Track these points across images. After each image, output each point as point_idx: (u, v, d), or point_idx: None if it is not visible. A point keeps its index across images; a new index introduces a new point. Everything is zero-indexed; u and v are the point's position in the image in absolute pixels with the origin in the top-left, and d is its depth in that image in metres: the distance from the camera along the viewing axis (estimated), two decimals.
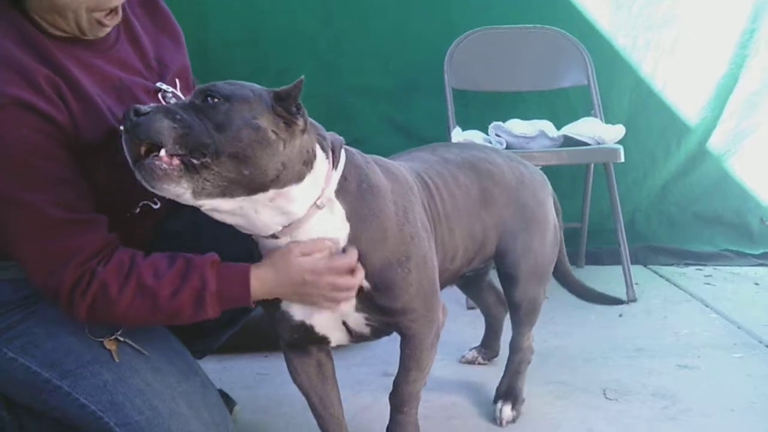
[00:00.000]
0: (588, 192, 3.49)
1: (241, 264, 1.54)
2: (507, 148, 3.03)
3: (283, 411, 2.12)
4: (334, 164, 1.50)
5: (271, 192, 1.40)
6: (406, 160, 1.80)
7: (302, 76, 1.41)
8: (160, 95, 1.70)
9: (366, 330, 1.63)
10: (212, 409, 1.66)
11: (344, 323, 1.61)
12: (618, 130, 3.12)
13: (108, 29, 1.61)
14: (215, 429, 1.62)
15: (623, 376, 2.32)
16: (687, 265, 3.63)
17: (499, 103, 3.58)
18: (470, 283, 2.33)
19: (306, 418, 1.86)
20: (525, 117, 3.32)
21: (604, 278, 3.36)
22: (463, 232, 1.82)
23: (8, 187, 1.44)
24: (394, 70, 3.65)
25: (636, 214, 3.78)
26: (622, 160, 3.02)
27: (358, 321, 1.61)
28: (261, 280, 1.52)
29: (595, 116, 3.34)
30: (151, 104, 1.36)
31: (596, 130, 3.09)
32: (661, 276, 3.47)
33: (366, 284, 1.55)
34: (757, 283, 3.32)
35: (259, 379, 2.37)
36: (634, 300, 3.06)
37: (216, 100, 1.36)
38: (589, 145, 3.07)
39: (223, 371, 2.40)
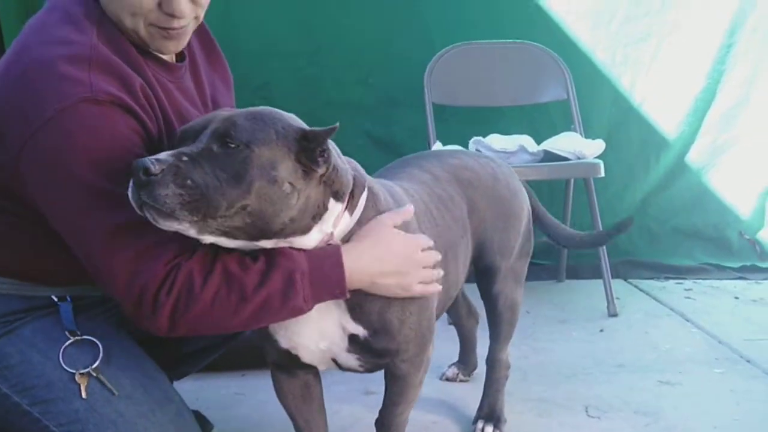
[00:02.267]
0: (568, 206, 3.49)
1: (330, 245, 1.45)
2: None
3: None
4: (351, 209, 1.46)
5: (274, 240, 1.37)
6: (402, 180, 1.75)
7: (337, 124, 1.35)
8: None
9: (357, 367, 1.59)
10: None
11: (333, 359, 1.57)
12: (598, 145, 3.13)
13: (170, 46, 1.57)
14: None
15: (605, 392, 2.31)
16: (667, 278, 3.63)
17: (478, 118, 3.58)
18: None
19: None
20: (505, 132, 3.32)
21: (584, 292, 3.38)
22: (464, 255, 1.80)
23: (106, 182, 1.38)
24: (374, 85, 3.64)
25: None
26: (602, 174, 3.02)
27: (349, 360, 1.56)
28: (355, 256, 1.44)
29: (575, 131, 3.34)
30: (167, 156, 1.26)
31: (576, 145, 3.09)
32: (641, 290, 3.46)
33: (362, 331, 1.51)
34: (737, 297, 3.33)
35: (237, 400, 2.33)
36: (615, 315, 3.06)
37: (234, 145, 1.29)
38: (569, 160, 3.06)
39: (200, 390, 2.35)
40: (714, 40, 3.67)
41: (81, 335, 1.57)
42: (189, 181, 1.25)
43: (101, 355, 1.56)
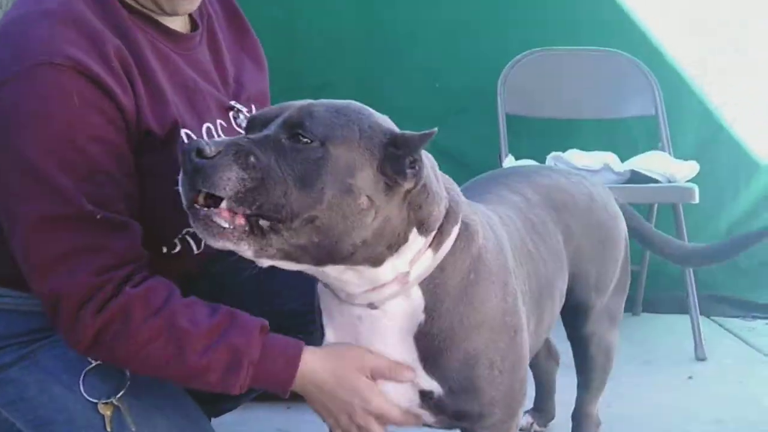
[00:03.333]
0: None
1: (292, 340, 1.29)
2: None
3: None
4: (436, 246, 1.20)
5: (342, 267, 1.13)
6: (493, 204, 1.48)
7: (435, 129, 1.11)
8: (231, 114, 1.50)
9: (434, 423, 1.33)
10: None
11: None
12: (690, 167, 2.85)
13: (186, 6, 1.40)
14: None
15: None
16: (755, 318, 3.32)
17: (553, 131, 3.33)
18: None
19: None
20: (582, 147, 3.05)
21: (666, 329, 3.10)
22: (560, 291, 1.54)
23: (42, 162, 1.22)
24: (442, 90, 3.40)
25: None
26: (696, 200, 2.76)
27: (425, 416, 1.31)
28: (311, 370, 1.27)
29: (663, 150, 3.06)
30: (223, 138, 1.08)
31: (666, 166, 2.82)
32: (727, 330, 3.17)
33: (437, 388, 1.25)
34: None
35: None
36: (704, 359, 2.76)
37: (308, 141, 1.07)
38: (658, 181, 2.78)
39: (237, 425, 2.11)
40: None
41: None
42: (252, 159, 1.05)
43: (128, 383, 1.36)
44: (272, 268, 1.18)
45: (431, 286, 1.20)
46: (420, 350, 1.23)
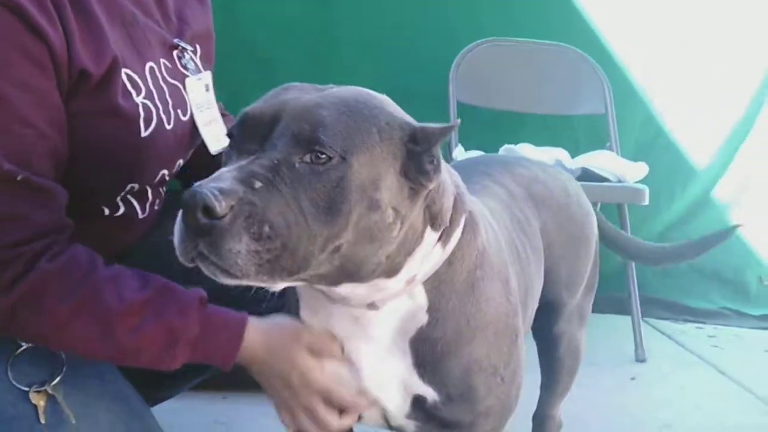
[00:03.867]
0: None
1: (236, 312, 1.16)
2: None
3: None
4: (444, 240, 1.08)
5: (360, 285, 1.02)
6: (480, 195, 1.35)
7: (458, 120, 1.03)
8: (176, 53, 1.35)
9: (412, 430, 1.21)
10: None
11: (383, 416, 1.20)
12: (640, 168, 2.83)
13: None
14: None
15: None
16: (686, 321, 3.35)
17: (500, 124, 3.25)
18: None
19: None
20: (526, 140, 2.97)
21: (606, 329, 3.06)
22: (538, 293, 1.45)
23: None
24: (390, 74, 3.24)
25: (629, 260, 3.48)
26: (647, 202, 2.73)
27: (405, 425, 1.19)
28: (252, 345, 1.16)
29: (611, 149, 3.03)
30: (229, 176, 0.87)
31: (617, 166, 2.78)
32: (661, 332, 3.17)
33: (433, 395, 1.13)
34: (767, 350, 3.04)
35: (216, 430, 1.95)
36: (644, 360, 2.75)
37: (325, 158, 0.91)
38: (608, 180, 2.73)
39: (173, 416, 1.93)
40: (757, 70, 3.42)
41: None
42: (267, 228, 0.86)
43: (65, 368, 1.21)
44: None
45: (437, 283, 1.08)
46: (416, 355, 1.11)
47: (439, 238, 1.07)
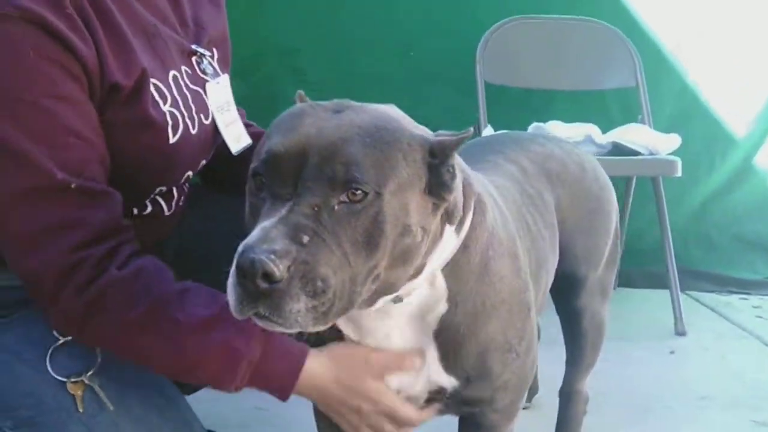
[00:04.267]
0: (627, 207, 3.14)
1: (296, 344, 1.18)
2: None
3: None
4: (458, 227, 1.09)
5: (389, 296, 1.04)
6: (489, 173, 1.37)
7: (470, 129, 1.01)
8: (194, 59, 1.38)
9: (432, 414, 1.25)
10: None
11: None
12: (673, 140, 2.79)
13: None
14: None
15: None
16: (730, 293, 3.30)
17: (530, 102, 3.25)
18: None
19: None
20: (559, 119, 2.97)
21: (643, 304, 3.07)
22: (552, 267, 1.46)
23: (2, 130, 1.10)
24: (415, 59, 3.28)
25: (671, 234, 3.44)
26: (679, 174, 2.70)
27: (426, 409, 1.23)
28: (313, 377, 1.17)
29: (643, 122, 3.00)
30: (278, 233, 0.89)
31: (648, 139, 2.76)
32: (703, 305, 3.14)
33: (452, 383, 1.17)
34: None
35: (257, 416, 2.01)
36: (684, 333, 2.73)
37: (361, 195, 0.93)
38: (640, 154, 2.71)
39: (214, 403, 1.98)
40: None
41: None
42: (320, 284, 0.89)
43: (99, 359, 1.25)
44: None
45: (455, 269, 1.10)
46: (440, 346, 1.14)
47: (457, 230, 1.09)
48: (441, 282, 1.10)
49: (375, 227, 0.93)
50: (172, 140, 1.27)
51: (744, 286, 3.34)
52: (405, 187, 0.96)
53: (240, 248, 0.89)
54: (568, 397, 1.78)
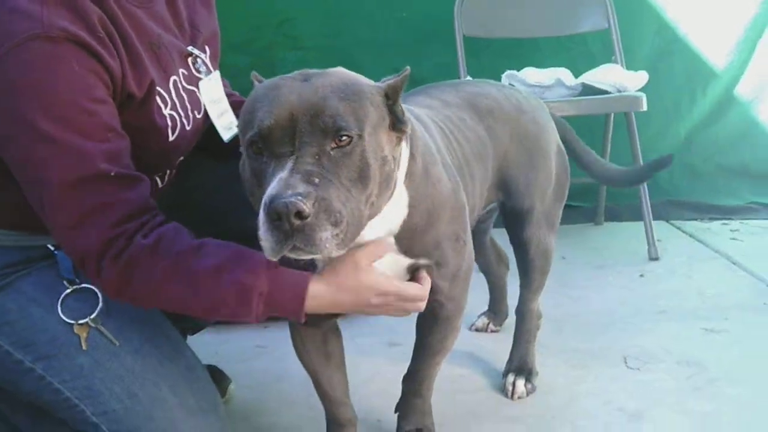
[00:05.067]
0: (607, 143, 3.30)
1: (299, 273, 1.36)
2: None
3: (281, 387, 2.00)
4: (406, 138, 1.30)
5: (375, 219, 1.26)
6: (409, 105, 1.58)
7: (408, 68, 1.23)
8: (190, 60, 1.58)
9: (429, 282, 1.46)
10: (199, 393, 1.53)
11: None
12: (640, 77, 2.93)
13: None
14: (202, 416, 1.48)
15: (646, 342, 2.18)
16: (712, 219, 3.45)
17: (512, 51, 3.38)
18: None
19: (305, 396, 1.74)
20: (541, 65, 3.14)
21: (624, 235, 3.23)
22: (480, 180, 1.66)
23: (55, 129, 1.28)
24: (403, 21, 3.43)
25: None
26: (645, 108, 2.84)
27: (422, 279, 1.43)
28: (318, 297, 1.35)
29: (616, 62, 3.14)
30: (296, 180, 1.09)
31: (617, 77, 2.90)
32: (684, 232, 3.29)
33: (426, 261, 1.39)
34: None
35: (258, 353, 2.24)
36: (657, 258, 2.91)
37: (348, 139, 1.14)
38: (609, 93, 2.87)
39: (220, 344, 2.28)
40: None
41: (80, 284, 1.48)
42: (337, 215, 1.10)
43: (100, 304, 1.48)
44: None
45: (410, 177, 1.31)
46: (400, 244, 1.35)
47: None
48: (403, 191, 1.31)
49: (363, 163, 1.15)
50: (171, 138, 1.49)
51: (726, 212, 3.47)
52: (377, 128, 1.18)
53: (266, 199, 1.08)
54: (522, 315, 1.99)
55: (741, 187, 3.60)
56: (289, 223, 1.06)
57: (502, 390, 1.93)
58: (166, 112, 1.48)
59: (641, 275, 2.75)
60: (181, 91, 1.53)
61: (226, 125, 1.64)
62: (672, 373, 1.99)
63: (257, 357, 2.21)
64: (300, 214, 1.06)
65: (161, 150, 1.50)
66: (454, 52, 3.23)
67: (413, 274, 1.41)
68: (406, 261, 1.38)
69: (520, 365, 1.95)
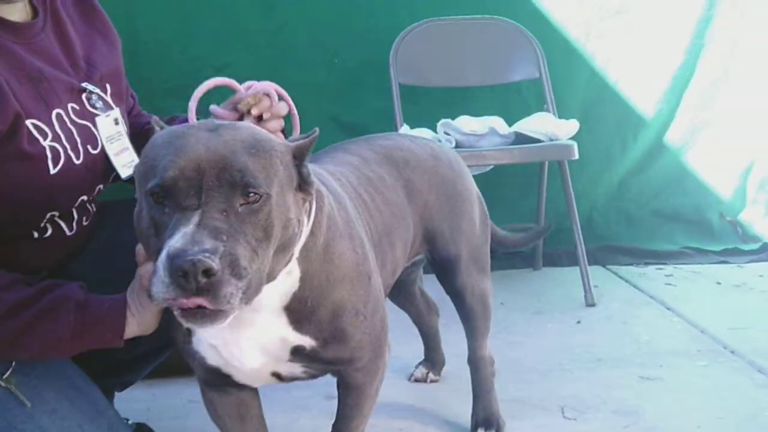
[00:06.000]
0: (543, 191, 3.34)
1: (112, 298, 1.38)
2: (456, 146, 2.87)
3: None
4: (308, 216, 1.27)
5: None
6: (325, 164, 1.57)
7: (317, 129, 1.22)
8: (84, 96, 1.55)
9: (301, 375, 1.42)
10: None
11: (274, 373, 1.39)
12: (571, 126, 2.99)
13: (15, 4, 1.44)
14: None
15: (583, 390, 2.17)
16: (647, 264, 3.50)
17: (449, 99, 3.41)
18: (399, 291, 2.13)
19: None
20: (476, 113, 3.17)
21: (561, 280, 3.24)
22: (401, 241, 1.64)
23: None
24: (340, 65, 3.45)
25: (593, 213, 3.65)
26: (576, 156, 2.89)
27: (293, 370, 1.40)
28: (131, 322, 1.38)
29: (548, 111, 3.19)
30: (203, 236, 1.05)
31: (549, 126, 2.95)
32: (620, 277, 3.33)
33: (311, 342, 1.33)
34: (719, 283, 3.20)
35: (190, 408, 2.15)
36: (593, 304, 2.92)
37: (255, 197, 1.10)
38: (541, 141, 2.91)
39: (151, 400, 2.19)
40: (692, 12, 3.56)
41: None
42: (243, 271, 1.06)
43: (13, 363, 1.42)
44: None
45: (305, 253, 1.27)
46: (290, 316, 1.30)
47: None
48: (296, 267, 1.26)
49: (269, 223, 1.11)
50: (53, 171, 1.43)
51: (660, 257, 3.53)
52: (284, 187, 1.15)
53: (170, 252, 1.03)
54: (476, 365, 1.96)
55: (674, 231, 3.67)
56: (195, 281, 1.01)
57: None
58: (46, 143, 1.43)
59: (578, 321, 2.76)
60: (69, 125, 1.48)
61: (126, 163, 1.60)
62: (608, 423, 1.98)
63: (190, 413, 2.12)
64: (207, 272, 1.01)
65: (43, 182, 1.43)
66: (391, 98, 3.23)
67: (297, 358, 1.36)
68: (293, 340, 1.32)
69: (486, 417, 1.92)
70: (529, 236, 2.43)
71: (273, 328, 1.31)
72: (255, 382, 1.42)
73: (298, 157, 1.19)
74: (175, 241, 1.03)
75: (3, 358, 1.41)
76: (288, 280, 1.26)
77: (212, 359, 1.35)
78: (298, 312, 1.30)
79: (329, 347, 1.35)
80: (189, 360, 1.40)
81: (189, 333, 1.34)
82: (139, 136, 1.67)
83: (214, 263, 1.01)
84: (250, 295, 1.08)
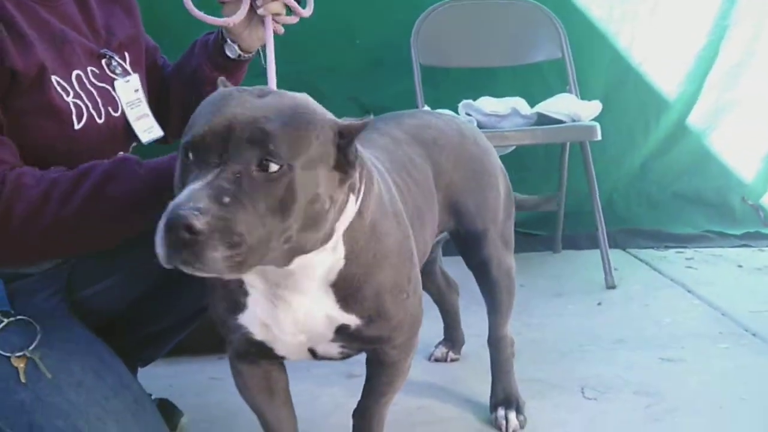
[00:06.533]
0: (564, 173, 3.33)
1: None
2: (478, 127, 2.84)
3: (236, 421, 1.94)
4: (356, 196, 1.25)
5: (304, 257, 1.20)
6: (366, 148, 1.52)
7: (371, 116, 1.19)
8: (104, 62, 1.59)
9: (336, 355, 1.43)
10: (146, 427, 1.49)
11: (310, 349, 1.40)
12: (594, 107, 2.96)
13: None
14: None
15: (603, 371, 2.17)
16: (667, 247, 3.48)
17: (470, 81, 3.40)
18: (420, 270, 2.13)
19: (261, 431, 1.68)
20: (498, 94, 3.15)
21: (581, 263, 3.24)
22: (430, 221, 1.64)
23: None
24: (362, 47, 3.43)
25: (614, 195, 3.64)
26: (599, 138, 2.87)
27: (330, 349, 1.40)
28: None
29: (571, 92, 3.17)
30: (202, 193, 1.04)
31: (571, 107, 2.93)
32: (640, 260, 3.32)
33: (356, 321, 1.33)
34: (740, 266, 3.19)
35: (212, 385, 2.18)
36: (614, 287, 2.92)
37: (276, 168, 1.08)
38: (563, 122, 2.90)
39: (173, 376, 2.21)
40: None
41: (16, 316, 1.45)
42: (236, 237, 1.04)
43: (38, 336, 1.44)
44: None
45: (351, 232, 1.26)
46: (337, 293, 1.30)
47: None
48: (341, 245, 1.26)
49: (287, 195, 1.09)
50: (77, 126, 1.47)
51: (681, 240, 3.51)
52: (315, 162, 1.12)
53: (169, 207, 1.03)
54: (496, 344, 1.95)
55: (695, 215, 3.65)
56: (176, 236, 1.01)
57: (493, 425, 1.88)
58: (69, 99, 1.47)
59: (599, 303, 2.76)
60: (88, 86, 1.52)
61: (146, 128, 1.64)
62: (629, 403, 1.98)
63: (211, 390, 2.15)
64: (190, 228, 1.01)
65: (68, 137, 1.46)
66: (412, 80, 3.23)
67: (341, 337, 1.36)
68: (339, 318, 1.33)
69: (506, 397, 1.92)
70: (540, 200, 2.46)
71: (319, 306, 1.31)
72: (293, 355, 1.42)
73: (346, 136, 1.16)
74: (179, 197, 1.05)
75: (68, 250, 1.45)
76: (332, 257, 1.26)
77: (260, 335, 1.36)
78: (344, 290, 1.30)
79: (372, 325, 1.35)
80: (229, 333, 1.40)
81: (236, 309, 1.35)
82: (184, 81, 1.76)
83: (198, 221, 1.00)
84: (245, 263, 1.06)
